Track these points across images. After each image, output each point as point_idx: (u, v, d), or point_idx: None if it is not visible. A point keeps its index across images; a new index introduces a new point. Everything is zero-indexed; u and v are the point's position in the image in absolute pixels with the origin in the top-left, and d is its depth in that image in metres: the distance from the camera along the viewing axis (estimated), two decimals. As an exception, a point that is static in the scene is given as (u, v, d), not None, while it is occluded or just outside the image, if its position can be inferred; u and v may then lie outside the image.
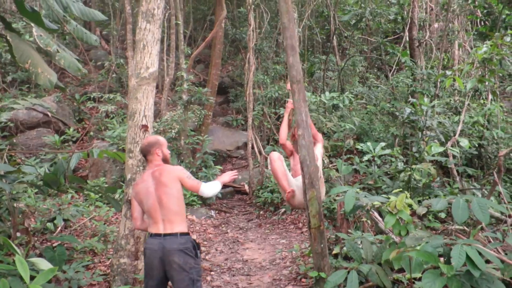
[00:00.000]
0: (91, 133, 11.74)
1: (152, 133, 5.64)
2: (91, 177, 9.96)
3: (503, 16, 8.88)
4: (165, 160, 3.46)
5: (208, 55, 16.18)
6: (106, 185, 8.96)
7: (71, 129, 11.04)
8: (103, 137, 10.75)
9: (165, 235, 3.17)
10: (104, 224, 6.96)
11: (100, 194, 7.97)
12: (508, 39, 6.14)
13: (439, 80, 9.66)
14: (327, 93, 8.39)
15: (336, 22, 13.32)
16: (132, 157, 4.92)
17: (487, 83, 9.92)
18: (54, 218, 6.20)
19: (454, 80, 5.98)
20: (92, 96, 12.70)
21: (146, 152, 3.42)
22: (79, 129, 11.91)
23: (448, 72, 6.25)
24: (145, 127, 5.16)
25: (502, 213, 4.87)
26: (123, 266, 4.76)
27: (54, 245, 5.64)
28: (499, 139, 8.39)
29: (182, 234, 3.19)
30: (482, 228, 4.60)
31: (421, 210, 3.32)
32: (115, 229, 6.39)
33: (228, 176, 3.51)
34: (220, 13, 11.54)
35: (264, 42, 13.33)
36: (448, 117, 9.93)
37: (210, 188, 3.29)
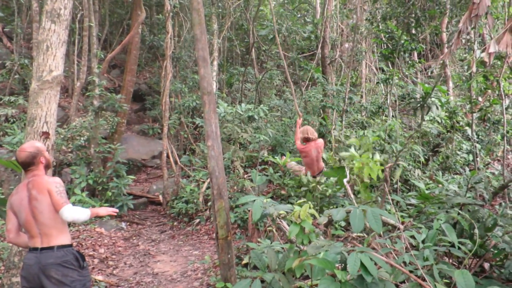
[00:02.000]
0: (-13, 139, 10.62)
1: (56, 140, 5.27)
2: (-15, 188, 8.99)
3: (402, 41, 9.80)
4: (47, 166, 3.30)
5: (124, 60, 15.60)
6: (3, 196, 8.15)
7: (-38, 134, 9.90)
8: (1, 144, 9.78)
9: (42, 249, 3.05)
10: (-3, 240, 6.32)
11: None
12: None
13: (347, 97, 10.35)
14: (243, 104, 8.54)
15: (254, 35, 13.68)
16: (30, 166, 4.55)
17: (387, 102, 10.86)
18: None
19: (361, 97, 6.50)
20: (-11, 98, 11.51)
21: (29, 164, 3.18)
22: (-28, 134, 10.71)
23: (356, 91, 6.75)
24: (46, 134, 4.82)
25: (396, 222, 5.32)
26: (15, 285, 4.37)
27: None
28: (397, 152, 9.19)
29: (60, 247, 3.07)
30: (380, 235, 4.99)
31: (323, 220, 3.51)
32: (8, 245, 5.81)
33: (106, 210, 3.36)
34: (138, 17, 11.22)
35: (183, 51, 13.22)
36: (355, 131, 10.67)
37: (73, 213, 3.04)
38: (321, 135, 7.80)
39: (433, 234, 3.55)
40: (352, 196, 4.91)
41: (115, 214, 3.41)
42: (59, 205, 3.02)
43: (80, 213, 3.06)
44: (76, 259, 3.12)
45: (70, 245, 3.18)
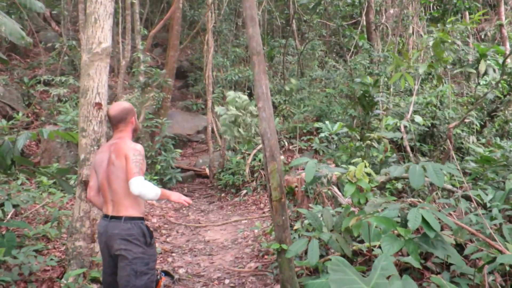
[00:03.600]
0: (43, 118, 11.16)
1: (106, 113, 5.41)
2: (44, 164, 9.48)
3: (454, 1, 9.18)
4: (135, 130, 3.16)
5: (166, 38, 15.73)
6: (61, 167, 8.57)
7: (20, 114, 10.44)
8: (55, 122, 10.25)
9: (112, 217, 2.89)
10: (59, 210, 6.66)
11: (53, 180, 7.63)
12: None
13: (388, 68, 9.91)
14: (292, 80, 8.38)
15: (295, 6, 13.32)
16: (85, 136, 4.69)
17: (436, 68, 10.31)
18: (3, 204, 5.84)
19: (401, 77, 6.20)
20: (42, 80, 12.02)
21: (120, 120, 3.01)
22: (29, 114, 11.29)
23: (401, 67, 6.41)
24: (99, 105, 4.93)
25: (453, 185, 5.08)
26: (78, 249, 4.58)
27: (3, 232, 5.33)
28: (450, 118, 8.75)
29: (128, 218, 2.86)
30: (435, 199, 4.79)
31: (380, 178, 3.39)
32: (70, 213, 6.11)
33: (178, 196, 3.03)
34: (178, -7, 11.22)
35: (223, 25, 13.13)
36: (403, 99, 10.25)
37: (142, 187, 2.74)
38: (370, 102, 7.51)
39: (503, 194, 3.33)
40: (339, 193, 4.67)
41: (187, 205, 3.08)
42: (130, 174, 2.76)
43: (149, 190, 2.77)
44: (143, 234, 2.89)
45: (140, 218, 2.96)
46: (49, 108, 11.61)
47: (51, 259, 4.78)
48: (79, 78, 5.44)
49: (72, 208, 6.92)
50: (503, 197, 3.33)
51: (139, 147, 2.92)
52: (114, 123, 3.05)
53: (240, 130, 8.33)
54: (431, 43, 6.59)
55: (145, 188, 2.75)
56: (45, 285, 4.35)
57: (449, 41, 6.67)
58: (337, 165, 7.53)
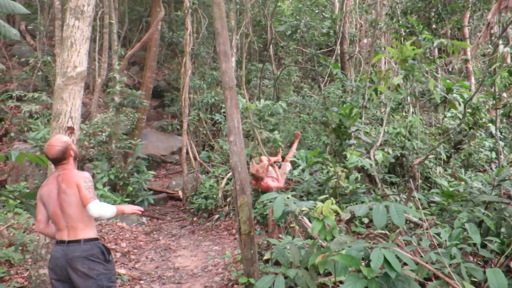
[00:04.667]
0: (12, 134, 10.89)
1: (79, 136, 5.37)
2: (11, 182, 9.23)
3: (423, 36, 9.62)
4: (75, 157, 3.34)
5: (144, 57, 15.75)
6: (28, 190, 8.35)
7: (-12, 130, 10.16)
8: (25, 139, 10.02)
9: (69, 242, 3.09)
10: (24, 232, 6.47)
11: (19, 201, 7.41)
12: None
13: (366, 93, 10.23)
14: (262, 100, 8.53)
15: (272, 32, 13.63)
16: (55, 161, 4.65)
17: (408, 99, 10.71)
18: (-37, 226, 5.64)
19: (377, 90, 6.44)
20: (13, 95, 11.77)
21: (60, 159, 3.21)
22: (-2, 130, 11.00)
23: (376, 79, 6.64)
24: (70, 129, 4.91)
25: (420, 218, 5.24)
26: (42, 277, 4.48)
27: (-38, 256, 5.13)
28: (418, 149, 9.05)
29: (87, 240, 3.11)
30: (403, 232, 4.93)
31: (345, 216, 3.49)
32: (35, 237, 5.95)
33: (131, 208, 3.34)
34: (157, 15, 11.31)
35: (201, 48, 13.28)
36: (375, 128, 10.55)
37: (100, 209, 3.05)
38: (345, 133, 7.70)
39: (457, 233, 3.49)
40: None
41: (140, 213, 3.39)
42: (87, 200, 3.04)
43: (107, 210, 3.08)
44: (102, 252, 3.15)
45: (96, 239, 3.21)
46: (20, 124, 11.36)
47: (14, 287, 4.63)
48: (53, 94, 5.39)
49: (37, 232, 6.74)
50: (458, 235, 3.49)
51: (87, 174, 3.21)
52: (55, 162, 3.24)
53: None
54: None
55: (103, 209, 3.07)
56: (4, 315, 4.20)
57: (417, 57, 6.89)
58: (310, 193, 7.65)
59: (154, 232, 8.15)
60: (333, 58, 13.11)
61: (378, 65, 13.67)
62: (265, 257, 4.85)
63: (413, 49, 5.67)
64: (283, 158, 7.99)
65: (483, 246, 3.95)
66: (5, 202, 7.65)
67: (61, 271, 3.11)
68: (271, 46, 14.29)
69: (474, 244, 3.86)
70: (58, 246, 3.15)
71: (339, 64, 11.95)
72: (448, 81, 9.30)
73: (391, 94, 6.80)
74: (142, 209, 3.44)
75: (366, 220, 5.96)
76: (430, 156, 8.91)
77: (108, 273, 3.16)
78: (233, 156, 3.61)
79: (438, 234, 3.57)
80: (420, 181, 8.52)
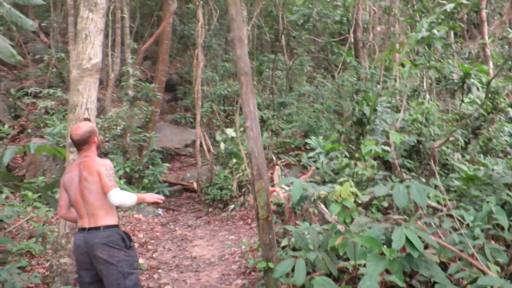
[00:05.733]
0: (29, 130, 11.05)
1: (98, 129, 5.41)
2: (29, 177, 9.36)
3: (439, 21, 9.41)
4: (99, 147, 3.35)
5: (156, 51, 15.80)
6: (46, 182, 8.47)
7: (6, 126, 10.33)
8: (42, 135, 10.16)
9: (89, 229, 3.10)
10: (43, 225, 6.57)
11: (38, 194, 7.53)
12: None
13: (381, 81, 10.09)
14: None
15: (284, 22, 13.51)
16: (73, 151, 4.69)
17: (423, 86, 10.53)
18: (-15, 219, 5.75)
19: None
20: (29, 91, 11.93)
21: (83, 142, 3.20)
22: (15, 126, 11.16)
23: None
24: (87, 121, 4.93)
25: (438, 202, 5.16)
26: (63, 266, 4.53)
27: (-15, 248, 5.24)
28: (435, 135, 8.89)
29: (107, 227, 3.10)
30: (420, 217, 4.86)
31: (365, 198, 3.43)
32: (55, 229, 6.03)
33: (152, 197, 3.31)
34: (168, 8, 11.31)
35: (213, 39, 13.24)
36: (390, 115, 10.41)
37: (121, 196, 3.02)
38: (358, 120, 7.62)
39: (483, 215, 3.40)
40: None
41: (161, 201, 3.36)
42: (108, 188, 3.03)
43: (127, 198, 3.05)
44: (122, 239, 3.14)
45: (117, 226, 3.21)
46: (36, 121, 11.51)
47: (35, 276, 4.70)
48: (67, 91, 5.45)
49: (56, 223, 6.84)
50: (483, 218, 3.41)
51: (108, 162, 3.19)
52: (78, 145, 3.24)
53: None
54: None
55: (123, 197, 3.02)
56: (28, 303, 4.28)
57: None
58: (325, 181, 7.59)
59: (170, 223, 8.20)
60: (347, 46, 12.94)
61: (393, 54, 13.45)
62: (282, 244, 4.83)
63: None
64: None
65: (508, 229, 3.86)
66: (24, 196, 7.78)
67: (84, 259, 3.13)
68: (283, 36, 14.19)
69: (497, 226, 3.78)
70: (79, 233, 3.17)
71: (353, 52, 11.80)
72: (466, 65, 9.11)
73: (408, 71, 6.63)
74: (163, 198, 3.41)
75: (384, 205, 5.88)
76: (447, 143, 8.77)
77: (130, 259, 3.14)
78: (249, 142, 3.58)
79: (461, 217, 3.50)
80: (437, 167, 8.39)
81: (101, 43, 5.12)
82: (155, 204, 3.41)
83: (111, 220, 3.16)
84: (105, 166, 3.11)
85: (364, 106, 6.64)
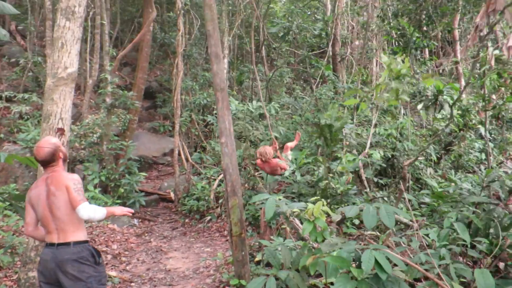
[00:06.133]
0: (1, 135, 10.78)
1: (69, 137, 5.33)
2: (0, 184, 9.12)
3: (414, 38, 9.71)
4: (65, 159, 3.33)
5: (136, 58, 15.69)
6: (17, 192, 8.26)
7: (-23, 131, 10.04)
8: (15, 140, 9.92)
9: (58, 245, 3.07)
10: (13, 235, 6.40)
11: (9, 202, 7.34)
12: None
13: (345, 94, 10.31)
14: (254, 102, 8.53)
15: (265, 33, 13.65)
16: (45, 162, 4.61)
17: (399, 102, 10.76)
18: (-48, 229, 5.57)
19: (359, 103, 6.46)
20: (3, 95, 11.64)
21: (49, 161, 3.18)
22: (-13, 131, 10.88)
23: (366, 88, 6.69)
24: (61, 131, 4.87)
25: (410, 220, 5.29)
26: (31, 280, 4.44)
27: (-50, 259, 5.07)
28: (409, 150, 9.11)
29: (77, 243, 3.09)
30: (394, 233, 4.97)
31: (336, 217, 3.50)
32: (25, 240, 5.89)
33: (121, 210, 3.31)
34: (149, 15, 11.27)
35: (193, 49, 13.26)
36: (366, 129, 10.61)
37: (90, 211, 3.01)
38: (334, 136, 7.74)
39: (446, 233, 3.52)
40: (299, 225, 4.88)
41: (131, 214, 3.38)
42: (76, 202, 3.01)
43: (96, 212, 3.05)
44: (92, 255, 3.14)
45: (86, 241, 3.20)
46: (10, 125, 11.23)
47: (2, 290, 4.58)
48: (43, 95, 5.36)
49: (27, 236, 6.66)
50: (446, 234, 3.52)
51: (76, 176, 3.18)
52: (44, 164, 3.21)
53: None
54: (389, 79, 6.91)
55: (92, 212, 3.03)
56: (-7, 319, 4.16)
57: (407, 77, 7.02)
58: (301, 194, 7.67)
59: (146, 234, 8.11)
60: (325, 59, 13.17)
61: (370, 67, 13.76)
62: (256, 259, 4.85)
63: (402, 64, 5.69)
64: (283, 147, 8.28)
65: (472, 246, 4.00)
66: (-6, 204, 7.56)
67: (50, 274, 3.10)
68: (263, 48, 14.32)
69: (463, 245, 3.90)
70: (47, 248, 3.13)
71: (331, 66, 12.01)
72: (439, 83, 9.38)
73: (383, 100, 6.83)
74: (132, 210, 3.41)
75: (357, 222, 5.99)
76: (420, 158, 8.98)
77: (98, 275, 3.13)
78: (224, 158, 3.61)
79: (428, 235, 3.60)
80: (411, 182, 8.58)
81: (77, 52, 5.08)
82: (125, 215, 3.40)
83: (80, 235, 3.15)
84: (73, 181, 3.10)
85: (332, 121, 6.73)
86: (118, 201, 8.90)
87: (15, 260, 5.61)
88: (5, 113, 11.88)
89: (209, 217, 8.49)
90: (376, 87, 6.54)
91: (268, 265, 4.78)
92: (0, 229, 6.63)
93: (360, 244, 3.50)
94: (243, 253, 3.52)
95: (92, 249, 3.18)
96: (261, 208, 6.23)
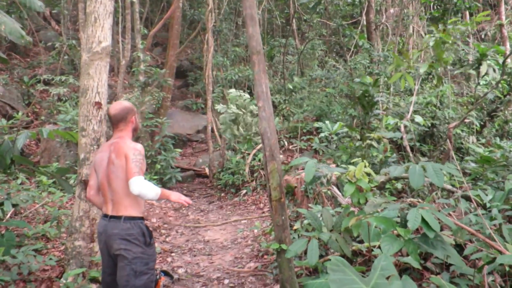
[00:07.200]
0: (42, 117, 11.15)
1: (106, 112, 5.41)
2: (43, 163, 9.47)
3: (455, 1, 9.18)
4: (135, 129, 3.14)
5: (166, 38, 15.73)
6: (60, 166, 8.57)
7: (20, 113, 10.43)
8: (55, 121, 10.24)
9: (111, 217, 2.88)
10: (58, 209, 6.66)
11: (53, 180, 7.62)
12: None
13: (389, 68, 9.90)
14: (295, 78, 8.36)
15: (295, 5, 13.30)
16: (85, 135, 4.70)
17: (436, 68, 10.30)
18: (2, 204, 5.83)
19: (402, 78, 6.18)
20: (42, 79, 12.01)
21: (120, 119, 2.99)
22: (29, 113, 11.28)
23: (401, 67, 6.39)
24: (98, 105, 4.93)
25: (452, 185, 5.07)
26: (78, 249, 4.58)
27: (2, 232, 5.32)
28: (450, 118, 8.74)
29: (128, 218, 2.85)
30: (434, 200, 4.79)
31: (379, 179, 3.38)
32: (69, 212, 6.11)
33: (178, 196, 2.99)
34: (178, -7, 11.21)
35: (223, 24, 13.12)
36: (403, 99, 10.25)
37: (142, 186, 2.71)
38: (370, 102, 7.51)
39: (502, 194, 3.32)
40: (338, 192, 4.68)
41: (186, 205, 3.03)
42: (130, 174, 2.74)
43: (149, 189, 2.74)
44: (142, 234, 2.88)
45: (140, 218, 2.94)
46: (49, 108, 11.60)
47: (50, 259, 4.76)
48: (79, 78, 5.45)
49: (71, 208, 6.91)
50: (502, 198, 3.33)
51: (139, 146, 2.90)
52: (114, 122, 3.02)
53: (240, 129, 8.34)
54: (431, 43, 6.61)
55: (144, 188, 2.72)
56: (44, 284, 4.35)
57: (450, 41, 6.68)
58: (336, 165, 7.53)
59: (183, 208, 8.25)
60: (359, 29, 12.72)
61: (406, 36, 13.19)
62: (294, 227, 4.81)
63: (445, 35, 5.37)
64: None
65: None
66: (39, 182, 7.88)
67: (103, 246, 2.97)
68: (293, 20, 13.99)
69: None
70: (102, 220, 2.98)
71: (365, 35, 11.58)
72: (482, 46, 8.87)
73: (423, 67, 6.53)
74: (190, 202, 3.09)
75: (397, 188, 5.81)
76: (462, 125, 8.60)
77: (146, 258, 2.87)
78: (262, 122, 3.53)
79: (477, 198, 3.42)
80: (452, 151, 8.25)
81: (110, 26, 5.08)
82: (179, 203, 3.04)
83: (135, 211, 2.90)
84: (134, 150, 2.84)
85: (370, 89, 6.49)
86: (155, 177, 9.07)
87: (62, 232, 5.83)
88: (44, 96, 12.27)
89: (244, 191, 8.53)
90: (418, 52, 6.27)
91: (307, 232, 4.74)
92: (46, 205, 6.91)
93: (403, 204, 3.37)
94: (283, 217, 3.47)
95: (145, 228, 2.93)
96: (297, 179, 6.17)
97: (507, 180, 3.44)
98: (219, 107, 8.59)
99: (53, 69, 13.43)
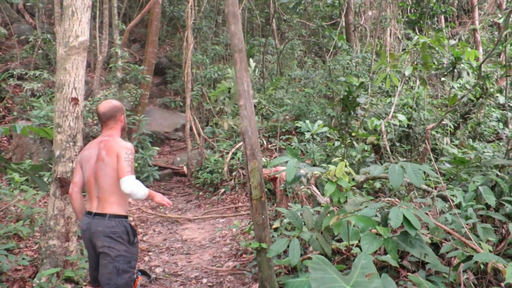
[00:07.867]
0: (15, 113, 10.81)
1: (83, 109, 5.28)
2: (16, 160, 9.19)
3: (431, 5, 9.39)
4: (123, 128, 3.16)
5: (144, 34, 15.53)
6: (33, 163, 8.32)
7: (-9, 108, 10.08)
8: (28, 117, 9.94)
9: (95, 214, 2.89)
10: (31, 208, 6.46)
11: (25, 177, 7.39)
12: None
13: (373, 66, 10.06)
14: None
15: (275, 5, 13.34)
16: (61, 132, 4.58)
17: (418, 70, 10.53)
18: (-29, 202, 5.63)
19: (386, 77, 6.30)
20: (15, 73, 11.63)
21: (110, 117, 3.01)
22: (1, 109, 10.92)
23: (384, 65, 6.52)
24: (75, 100, 4.81)
25: (428, 185, 5.19)
26: (52, 248, 4.46)
27: (-29, 230, 5.13)
28: (425, 120, 8.94)
29: (113, 216, 2.87)
30: (411, 200, 4.89)
31: (360, 178, 3.42)
32: (43, 211, 5.94)
33: (161, 198, 3.08)
34: (157, -11, 11.04)
35: (203, 21, 13.03)
36: (380, 100, 10.42)
37: (134, 185, 2.77)
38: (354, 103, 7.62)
39: (471, 196, 3.42)
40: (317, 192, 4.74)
41: (168, 205, 3.15)
42: (123, 173, 2.77)
43: (140, 189, 2.81)
44: (126, 232, 2.91)
45: (125, 217, 2.97)
46: (22, 103, 11.25)
47: (23, 258, 4.62)
48: (54, 73, 5.32)
49: (45, 206, 6.74)
50: (471, 198, 3.43)
51: (130, 146, 2.94)
52: (104, 120, 3.05)
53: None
54: (418, 47, 6.74)
55: (136, 187, 2.79)
56: (16, 285, 4.22)
57: (437, 48, 6.85)
58: (315, 165, 7.59)
59: (161, 207, 8.15)
60: (338, 30, 12.85)
61: (384, 37, 13.42)
62: (274, 226, 4.82)
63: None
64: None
65: (496, 210, 3.90)
66: (11, 180, 7.65)
67: (87, 243, 2.98)
68: (273, 20, 14.02)
69: (485, 208, 3.81)
70: (85, 216, 2.98)
71: (344, 36, 11.71)
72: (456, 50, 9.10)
73: (408, 69, 6.66)
74: (170, 203, 3.21)
75: (375, 188, 5.90)
76: (438, 126, 8.81)
77: (129, 256, 2.90)
78: (243, 121, 3.52)
79: (451, 197, 3.51)
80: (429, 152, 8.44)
81: (88, 20, 4.97)
82: (161, 205, 3.21)
83: (120, 209, 2.92)
84: (126, 149, 2.88)
85: (354, 89, 6.58)
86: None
87: (35, 231, 5.66)
88: (17, 91, 11.89)
89: (223, 190, 8.49)
90: (405, 54, 6.38)
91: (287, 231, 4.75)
92: (18, 203, 6.70)
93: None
94: (263, 216, 3.47)
95: (129, 227, 2.95)
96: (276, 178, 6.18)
97: (471, 183, 3.54)
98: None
99: (27, 63, 13.02)
